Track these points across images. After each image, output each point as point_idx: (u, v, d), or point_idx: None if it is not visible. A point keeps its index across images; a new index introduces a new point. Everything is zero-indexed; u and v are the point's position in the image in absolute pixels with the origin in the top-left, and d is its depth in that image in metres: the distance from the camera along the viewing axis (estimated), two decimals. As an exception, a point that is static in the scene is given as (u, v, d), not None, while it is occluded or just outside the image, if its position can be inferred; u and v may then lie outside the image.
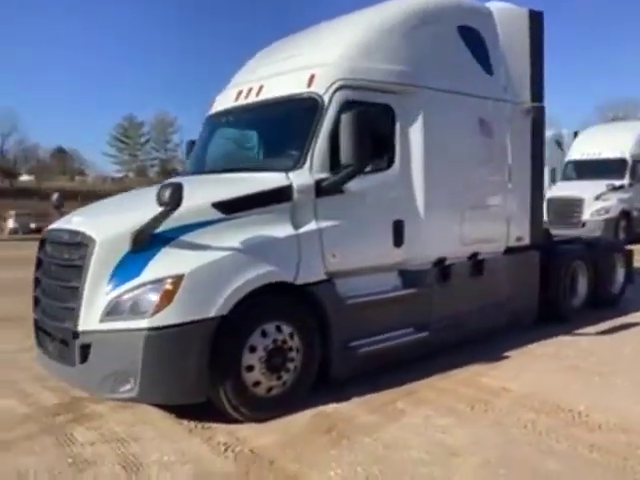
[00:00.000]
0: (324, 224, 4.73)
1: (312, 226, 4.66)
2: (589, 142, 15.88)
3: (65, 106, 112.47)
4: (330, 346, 4.74)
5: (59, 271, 4.50)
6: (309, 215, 4.67)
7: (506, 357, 5.90)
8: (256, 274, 4.21)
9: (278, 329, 4.40)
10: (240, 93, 5.67)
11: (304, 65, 5.23)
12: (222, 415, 4.24)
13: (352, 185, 4.90)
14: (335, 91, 4.88)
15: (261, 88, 5.43)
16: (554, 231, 8.71)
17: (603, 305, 8.13)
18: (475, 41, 6.05)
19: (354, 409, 4.54)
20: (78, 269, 4.13)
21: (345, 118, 4.60)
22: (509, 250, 6.58)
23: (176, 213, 4.01)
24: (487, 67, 6.16)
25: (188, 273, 3.93)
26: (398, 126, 5.30)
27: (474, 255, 6.10)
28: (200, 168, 5.93)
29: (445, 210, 5.71)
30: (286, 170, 4.71)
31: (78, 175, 73.53)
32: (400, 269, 5.49)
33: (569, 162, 16.36)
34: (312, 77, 4.99)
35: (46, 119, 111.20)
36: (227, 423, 4.23)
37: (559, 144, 19.57)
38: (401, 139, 5.32)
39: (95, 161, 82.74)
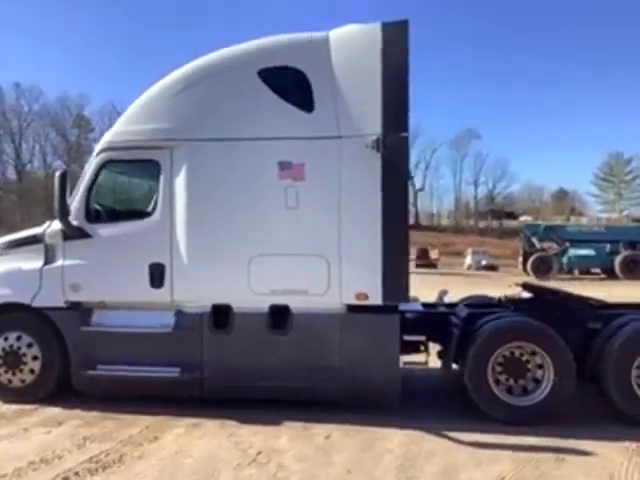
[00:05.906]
0: (67, 262, 5.90)
1: (57, 263, 5.94)
2: None
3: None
4: (69, 362, 5.83)
5: None
6: (58, 255, 5.95)
7: (278, 429, 5.30)
8: None
9: (19, 338, 5.91)
10: None
11: None
12: None
13: (104, 230, 5.89)
14: (98, 153, 5.96)
15: None
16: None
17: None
18: (286, 80, 5.70)
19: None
20: None
21: (55, 176, 5.70)
22: (353, 309, 5.60)
23: None
24: (305, 104, 5.63)
25: None
26: (162, 178, 5.82)
27: (280, 308, 5.64)
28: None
29: (218, 257, 5.68)
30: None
31: (572, 215, 62.70)
32: (178, 309, 5.84)
33: None
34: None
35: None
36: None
37: None
38: (164, 189, 5.80)
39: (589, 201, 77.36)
